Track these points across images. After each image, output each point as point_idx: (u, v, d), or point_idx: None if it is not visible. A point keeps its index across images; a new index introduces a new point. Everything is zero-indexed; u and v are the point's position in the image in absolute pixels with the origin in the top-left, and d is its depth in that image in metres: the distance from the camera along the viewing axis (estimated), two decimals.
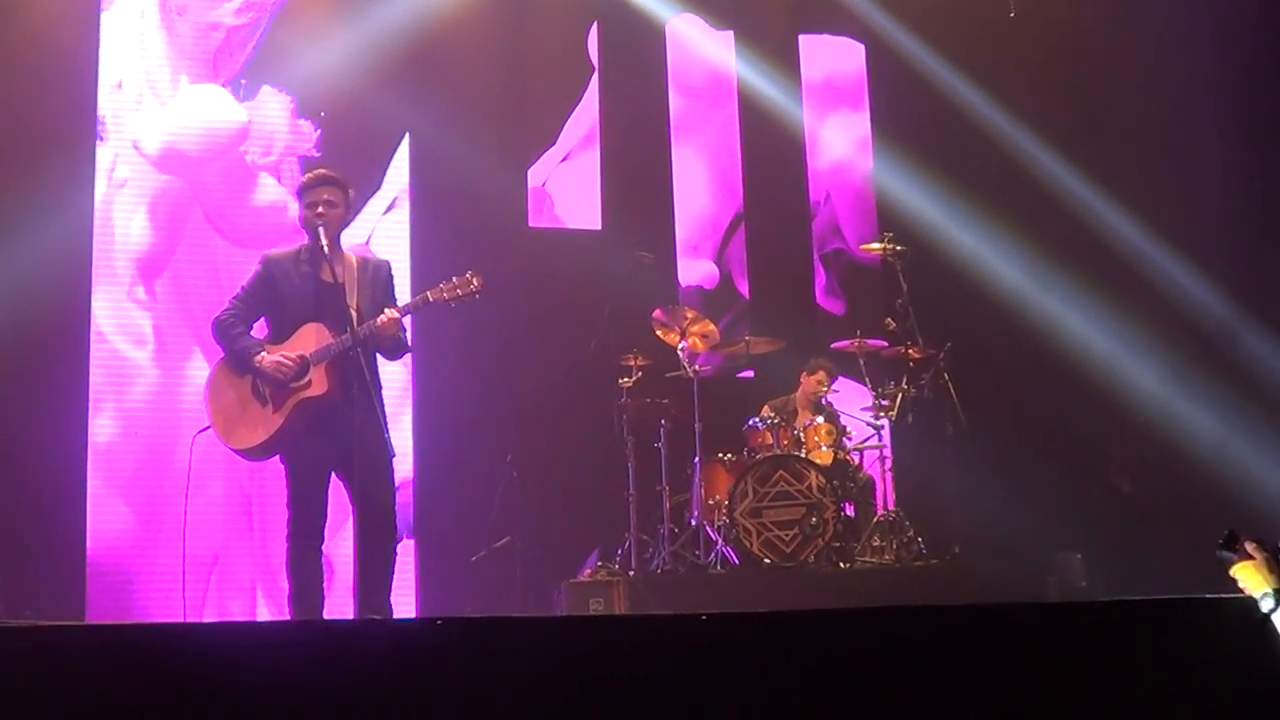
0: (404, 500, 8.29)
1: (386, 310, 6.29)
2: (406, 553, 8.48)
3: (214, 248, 9.29)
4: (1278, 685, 3.93)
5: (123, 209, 9.18)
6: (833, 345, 9.43)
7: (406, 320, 6.48)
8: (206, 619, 8.54)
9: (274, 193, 9.40)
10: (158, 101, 9.33)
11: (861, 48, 10.99)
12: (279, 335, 6.37)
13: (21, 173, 8.79)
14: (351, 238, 7.66)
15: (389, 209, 9.61)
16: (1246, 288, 9.61)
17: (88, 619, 8.27)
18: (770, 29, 10.86)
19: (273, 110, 9.47)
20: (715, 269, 10.56)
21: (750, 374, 9.96)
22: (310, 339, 6.28)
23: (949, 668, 4.60)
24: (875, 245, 9.39)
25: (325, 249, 6.29)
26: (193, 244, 9.27)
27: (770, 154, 10.71)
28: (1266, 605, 3.89)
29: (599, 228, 10.22)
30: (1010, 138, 10.35)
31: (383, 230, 9.56)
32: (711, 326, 9.21)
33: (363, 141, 9.60)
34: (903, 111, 10.76)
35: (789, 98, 10.71)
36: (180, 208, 9.28)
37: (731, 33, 10.80)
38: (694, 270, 10.52)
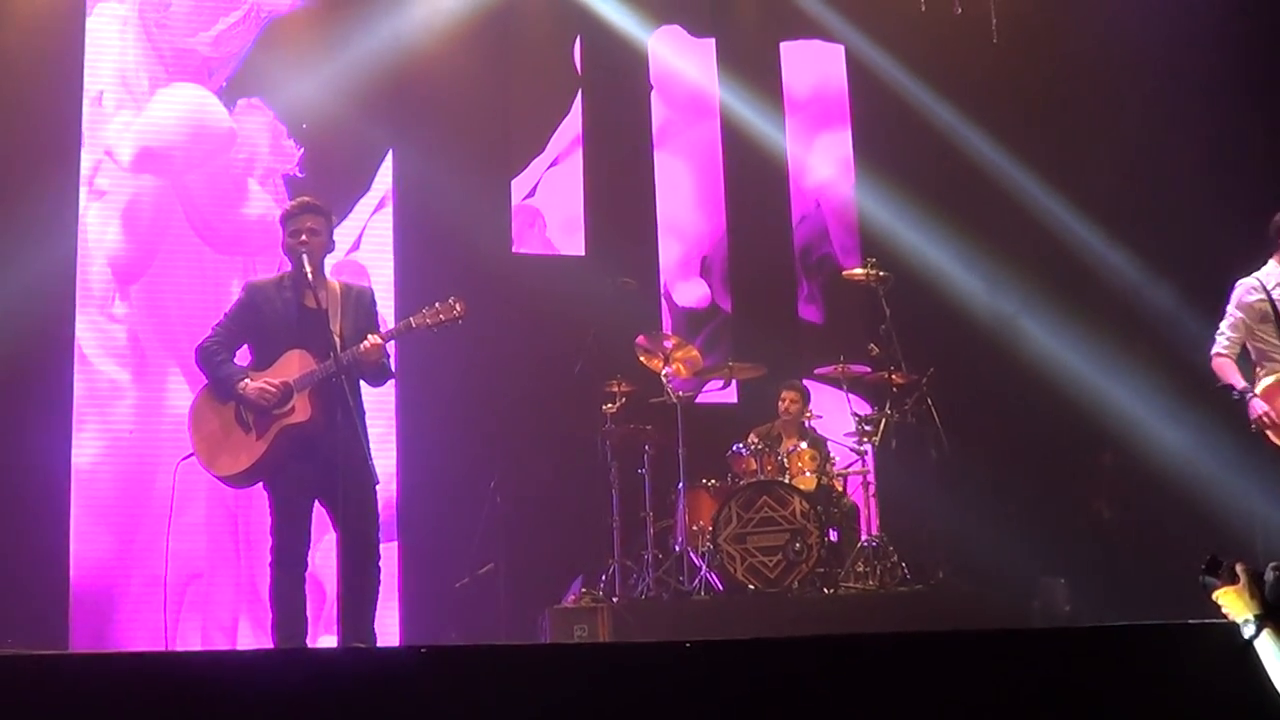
0: (388, 516, 8.22)
1: (370, 336, 6.29)
2: (390, 575, 8.36)
3: (196, 252, 9.25)
4: (1259, 712, 3.93)
5: (103, 218, 9.10)
6: (816, 370, 9.45)
7: (390, 346, 6.50)
8: (190, 646, 8.49)
9: (258, 196, 9.36)
10: (135, 107, 9.28)
11: (842, 52, 10.93)
12: (262, 362, 6.36)
13: (5, 190, 8.75)
14: (341, 238, 7.60)
15: (378, 208, 9.59)
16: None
17: (71, 647, 8.23)
18: (751, 37, 10.85)
19: (254, 126, 9.44)
20: (706, 288, 10.55)
21: (731, 394, 9.94)
22: (293, 365, 6.27)
23: (933, 693, 4.61)
24: (859, 271, 9.38)
25: (309, 275, 6.28)
26: (173, 248, 9.21)
27: (753, 166, 10.66)
28: (1248, 631, 3.89)
29: (583, 253, 10.21)
30: (992, 162, 10.38)
31: (372, 230, 9.53)
32: (694, 352, 9.21)
33: (346, 157, 9.56)
34: (884, 134, 10.77)
35: (771, 108, 10.70)
36: (161, 211, 9.21)
37: (713, 40, 10.81)
38: (687, 293, 10.50)
